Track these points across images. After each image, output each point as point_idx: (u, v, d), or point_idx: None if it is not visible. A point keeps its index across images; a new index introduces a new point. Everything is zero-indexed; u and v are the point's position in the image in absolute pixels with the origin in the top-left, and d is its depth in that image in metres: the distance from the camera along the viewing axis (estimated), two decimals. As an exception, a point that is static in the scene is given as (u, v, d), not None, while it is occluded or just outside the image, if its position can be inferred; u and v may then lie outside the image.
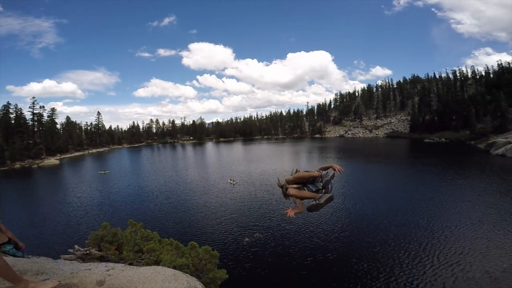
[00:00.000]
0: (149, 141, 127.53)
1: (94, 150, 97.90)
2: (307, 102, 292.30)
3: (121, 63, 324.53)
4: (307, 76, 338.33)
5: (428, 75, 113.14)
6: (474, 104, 75.45)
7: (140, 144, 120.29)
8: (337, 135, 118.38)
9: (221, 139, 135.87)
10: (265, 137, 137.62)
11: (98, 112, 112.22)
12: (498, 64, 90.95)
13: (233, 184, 40.05)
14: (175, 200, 32.71)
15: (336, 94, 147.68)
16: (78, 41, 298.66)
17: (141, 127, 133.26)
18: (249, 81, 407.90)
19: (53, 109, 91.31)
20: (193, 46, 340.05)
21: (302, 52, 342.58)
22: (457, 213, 23.26)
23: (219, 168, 56.72)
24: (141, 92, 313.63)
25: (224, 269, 8.06)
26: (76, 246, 6.63)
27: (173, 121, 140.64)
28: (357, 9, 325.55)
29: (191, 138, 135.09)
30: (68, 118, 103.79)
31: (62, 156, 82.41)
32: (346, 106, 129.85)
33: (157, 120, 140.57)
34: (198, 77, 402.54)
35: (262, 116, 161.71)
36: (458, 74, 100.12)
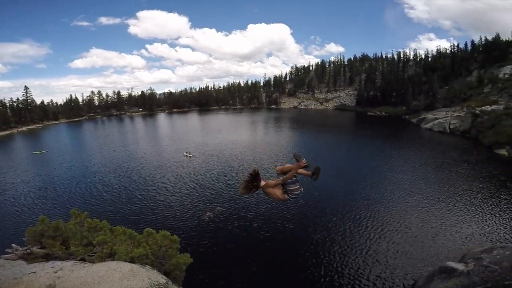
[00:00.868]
0: (92, 114, 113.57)
1: (24, 128, 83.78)
2: (265, 73, 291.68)
3: (53, 33, 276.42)
4: (266, 48, 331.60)
5: (376, 54, 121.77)
6: (411, 84, 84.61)
7: (80, 118, 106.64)
8: (292, 106, 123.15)
9: (175, 110, 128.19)
10: (223, 107, 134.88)
11: (26, 86, 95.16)
12: (437, 50, 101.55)
13: (190, 157, 39.05)
14: (126, 179, 30.52)
15: (292, 67, 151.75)
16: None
17: (80, 100, 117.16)
18: (206, 51, 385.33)
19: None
20: (142, 14, 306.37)
21: (263, 24, 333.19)
22: (393, 183, 26.54)
23: (173, 140, 54.18)
24: (78, 63, 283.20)
25: (187, 253, 7.86)
26: (14, 245, 5.75)
27: (119, 92, 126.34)
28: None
29: (140, 109, 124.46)
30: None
31: (-18, 138, 68.55)
32: (301, 79, 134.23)
33: (99, 92, 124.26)
34: (148, 46, 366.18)
35: (220, 87, 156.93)
36: (402, 56, 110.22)
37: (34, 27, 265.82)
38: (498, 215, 18.68)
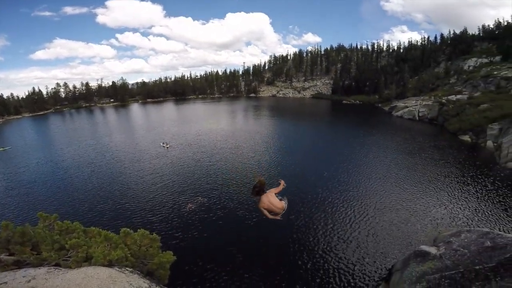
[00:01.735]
0: (58, 107, 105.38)
1: (-18, 124, 75.96)
2: (244, 62, 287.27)
3: (11, 24, 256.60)
4: (244, 37, 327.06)
5: (351, 45, 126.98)
6: (384, 74, 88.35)
7: (46, 112, 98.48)
8: (270, 94, 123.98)
9: (149, 100, 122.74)
10: (200, 96, 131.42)
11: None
12: (408, 42, 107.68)
13: (167, 148, 37.89)
14: (99, 175, 28.81)
15: (270, 56, 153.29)
16: None
17: (45, 92, 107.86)
18: (181, 40, 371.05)
19: None
20: (112, 3, 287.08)
21: (242, 12, 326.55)
22: (368, 168, 27.70)
23: (149, 131, 52.00)
24: (40, 55, 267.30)
25: (170, 251, 7.54)
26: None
27: (87, 83, 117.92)
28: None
29: (112, 100, 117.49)
30: None
31: None
32: (279, 68, 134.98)
33: (65, 83, 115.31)
34: (118, 35, 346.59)
35: (197, 76, 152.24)
36: (375, 47, 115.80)
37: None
38: (463, 199, 20.22)
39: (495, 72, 52.84)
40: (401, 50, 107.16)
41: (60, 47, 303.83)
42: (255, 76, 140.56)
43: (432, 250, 10.89)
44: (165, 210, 20.22)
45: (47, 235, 5.64)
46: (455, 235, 11.59)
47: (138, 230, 7.59)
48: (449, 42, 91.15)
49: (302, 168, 28.43)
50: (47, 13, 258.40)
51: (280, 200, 6.11)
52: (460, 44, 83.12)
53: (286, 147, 37.17)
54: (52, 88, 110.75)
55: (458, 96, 49.90)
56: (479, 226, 16.19)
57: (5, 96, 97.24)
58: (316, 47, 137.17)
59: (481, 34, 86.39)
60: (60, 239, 5.66)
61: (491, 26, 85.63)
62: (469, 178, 23.82)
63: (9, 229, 5.56)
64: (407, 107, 57.05)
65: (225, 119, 66.33)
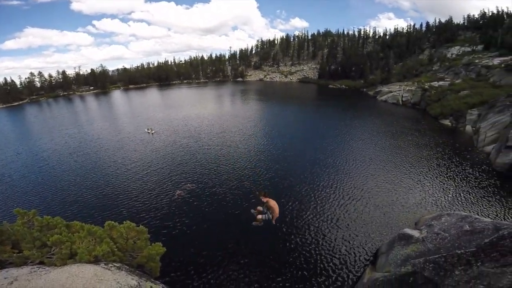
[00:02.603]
0: (34, 97, 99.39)
1: (-50, 118, 70.02)
2: (230, 47, 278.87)
3: None
4: (231, 22, 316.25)
5: (338, 30, 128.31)
6: (370, 59, 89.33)
7: (21, 102, 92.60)
8: (257, 79, 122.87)
9: (131, 86, 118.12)
10: (185, 81, 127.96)
11: None
12: (395, 28, 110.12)
13: (152, 133, 37.09)
14: (81, 165, 27.70)
15: (257, 41, 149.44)
16: None
17: (18, 83, 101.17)
18: (164, 25, 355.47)
19: None
20: None
21: None
22: (354, 151, 28.32)
23: (132, 118, 50.34)
24: (11, 45, 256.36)
25: (159, 243, 7.37)
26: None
27: (64, 71, 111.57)
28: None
29: (91, 88, 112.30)
30: None
31: None
32: (266, 53, 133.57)
33: (40, 73, 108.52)
34: (95, 22, 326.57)
35: (181, 61, 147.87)
36: (362, 33, 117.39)
37: None
38: (443, 182, 21.16)
39: (477, 61, 54.53)
40: (387, 37, 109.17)
41: (32, 36, 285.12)
42: (242, 60, 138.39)
43: (415, 233, 11.37)
44: (153, 199, 19.83)
45: (27, 232, 5.32)
46: (436, 219, 12.12)
47: (124, 222, 7.30)
48: (434, 30, 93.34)
49: (290, 151, 28.70)
50: (15, 2, 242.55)
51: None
52: (445, 33, 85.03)
53: (274, 130, 37.28)
54: (26, 78, 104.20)
55: (440, 83, 51.34)
56: (458, 210, 17.08)
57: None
58: (303, 32, 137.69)
59: (465, 24, 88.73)
60: (41, 235, 5.36)
61: (476, 16, 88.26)
62: (449, 161, 24.89)
63: (-16, 229, 5.20)
64: (391, 92, 58.21)
65: (211, 103, 65.18)
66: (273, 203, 8.54)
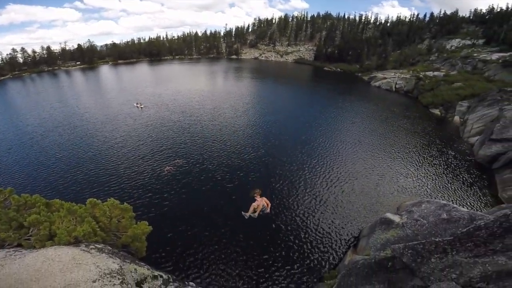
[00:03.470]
0: (16, 72, 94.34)
1: None
2: (226, 24, 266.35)
3: None
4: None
5: (339, 14, 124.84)
6: (367, 45, 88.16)
7: (3, 78, 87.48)
8: (252, 57, 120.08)
9: (120, 62, 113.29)
10: (177, 57, 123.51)
11: None
12: (397, 16, 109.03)
13: (141, 108, 36.43)
14: (67, 138, 26.95)
15: (255, 19, 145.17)
16: None
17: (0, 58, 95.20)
18: (156, 0, 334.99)
19: None
20: None
21: None
22: (344, 133, 28.73)
23: (121, 92, 48.81)
24: None
25: (144, 221, 7.07)
26: None
27: (48, 47, 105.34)
28: None
29: (78, 63, 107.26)
30: None
31: None
32: (263, 31, 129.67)
33: (23, 48, 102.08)
34: None
35: (173, 37, 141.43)
36: (363, 18, 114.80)
37: None
38: (426, 169, 21.77)
39: (475, 54, 54.69)
40: (388, 24, 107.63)
41: (15, 12, 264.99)
42: (237, 38, 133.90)
43: (396, 218, 11.80)
44: (140, 175, 19.57)
45: (2, 212, 5.09)
46: (416, 205, 12.55)
47: (108, 199, 7.01)
48: (437, 21, 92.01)
49: (282, 129, 28.92)
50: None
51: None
52: (448, 24, 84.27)
53: (266, 108, 37.14)
54: (7, 54, 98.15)
55: (436, 73, 51.49)
56: (438, 197, 17.75)
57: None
58: (303, 13, 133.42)
59: (471, 17, 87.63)
60: (18, 216, 5.16)
61: (484, 10, 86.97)
62: (434, 149, 25.55)
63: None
64: (385, 78, 58.22)
65: (204, 79, 63.75)
66: (266, 201, 9.54)
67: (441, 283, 5.02)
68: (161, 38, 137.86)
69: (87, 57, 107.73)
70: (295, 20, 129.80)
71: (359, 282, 7.83)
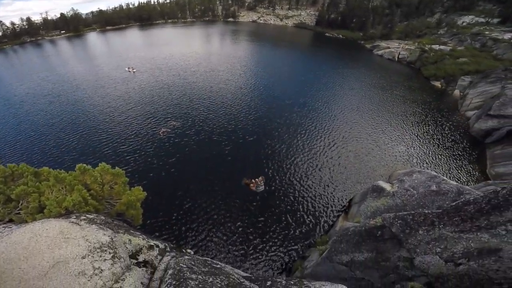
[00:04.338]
0: None
1: None
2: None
3: None
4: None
5: None
6: (373, 14, 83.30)
7: None
8: (250, 20, 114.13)
9: (108, 28, 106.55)
10: (170, 21, 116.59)
11: None
12: None
13: (133, 72, 35.75)
14: (57, 105, 26.18)
15: None
16: None
17: None
18: None
19: None
20: None
21: None
22: (343, 99, 28.43)
23: (111, 58, 46.80)
24: None
25: (139, 187, 6.68)
26: None
27: (28, 18, 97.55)
28: None
29: (63, 31, 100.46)
30: None
31: None
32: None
33: (0, 21, 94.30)
34: None
35: (166, 0, 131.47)
36: None
37: None
38: (421, 139, 21.93)
39: (487, 32, 52.50)
40: None
41: None
42: (235, 0, 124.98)
43: (387, 186, 12.04)
44: (134, 138, 19.29)
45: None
46: (408, 174, 12.77)
47: (100, 164, 6.48)
48: None
49: (279, 92, 28.65)
50: None
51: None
52: (463, 0, 78.68)
53: (264, 71, 36.35)
54: None
55: (442, 47, 50.02)
56: (429, 168, 18.05)
57: None
58: None
59: None
60: (5, 188, 4.99)
61: None
62: (430, 120, 25.57)
63: None
64: (389, 48, 56.65)
65: (199, 43, 61.11)
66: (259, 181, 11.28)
67: (426, 256, 5.20)
68: (152, 2, 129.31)
69: (72, 26, 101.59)
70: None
71: (349, 249, 8.11)
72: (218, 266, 4.37)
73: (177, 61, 40.44)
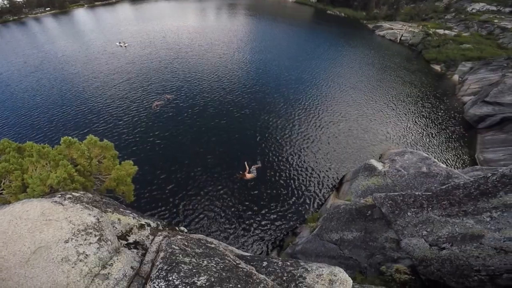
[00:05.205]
0: None
1: None
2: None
3: None
4: None
5: None
6: None
7: None
8: None
9: (97, 3, 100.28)
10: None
11: None
12: None
13: (124, 46, 34.58)
14: (46, 81, 25.16)
15: None
16: None
17: None
18: None
19: None
20: None
21: None
22: (341, 77, 28.06)
23: (102, 33, 44.66)
24: None
25: (129, 161, 6.37)
26: None
27: None
28: None
29: (48, 9, 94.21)
30: None
31: None
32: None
33: None
34: None
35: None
36: None
37: None
38: (416, 120, 22.01)
39: (496, 20, 51.07)
40: None
41: None
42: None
43: (379, 165, 12.14)
44: (127, 111, 18.90)
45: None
46: (400, 154, 12.86)
47: (88, 136, 6.12)
48: None
49: (277, 67, 28.32)
50: None
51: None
52: None
53: (262, 46, 35.44)
54: None
55: (447, 31, 48.99)
56: (421, 149, 18.22)
57: None
58: None
59: None
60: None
61: None
62: (427, 102, 25.55)
63: None
64: (392, 29, 55.27)
65: (194, 16, 58.66)
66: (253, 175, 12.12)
67: (412, 238, 5.30)
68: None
69: (58, 2, 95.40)
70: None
71: (340, 228, 8.26)
72: (213, 245, 4.22)
73: (171, 35, 39.01)
